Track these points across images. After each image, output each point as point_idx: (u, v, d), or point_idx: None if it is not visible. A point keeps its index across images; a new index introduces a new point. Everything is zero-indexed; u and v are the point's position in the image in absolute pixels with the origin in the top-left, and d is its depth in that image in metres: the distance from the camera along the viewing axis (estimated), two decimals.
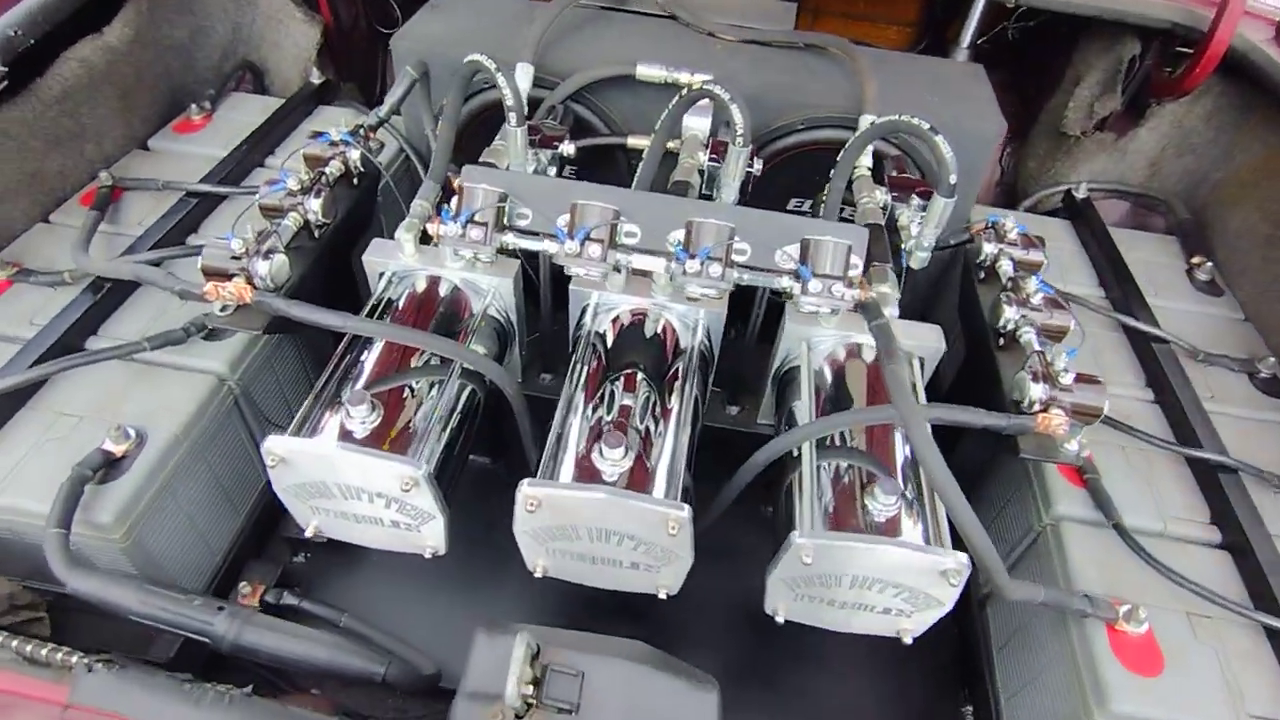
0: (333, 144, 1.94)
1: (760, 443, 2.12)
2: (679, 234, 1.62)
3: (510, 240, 1.60)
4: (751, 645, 2.13)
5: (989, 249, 1.86)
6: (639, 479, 1.49)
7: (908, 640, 1.59)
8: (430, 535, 1.62)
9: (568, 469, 1.51)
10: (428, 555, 1.65)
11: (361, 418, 1.51)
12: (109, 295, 1.91)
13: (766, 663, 2.11)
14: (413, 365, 1.67)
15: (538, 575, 1.64)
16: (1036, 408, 1.52)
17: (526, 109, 1.83)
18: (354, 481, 1.51)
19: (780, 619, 1.59)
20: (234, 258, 1.61)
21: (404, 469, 1.46)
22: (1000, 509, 2.01)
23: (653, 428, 1.63)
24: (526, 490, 1.44)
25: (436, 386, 1.66)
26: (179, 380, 1.80)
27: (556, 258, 1.56)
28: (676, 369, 1.76)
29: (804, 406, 1.74)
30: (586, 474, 1.49)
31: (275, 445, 1.47)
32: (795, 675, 2.10)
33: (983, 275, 1.89)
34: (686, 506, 1.43)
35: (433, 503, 1.51)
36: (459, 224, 1.54)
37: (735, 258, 1.56)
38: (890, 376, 1.36)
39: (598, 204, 1.54)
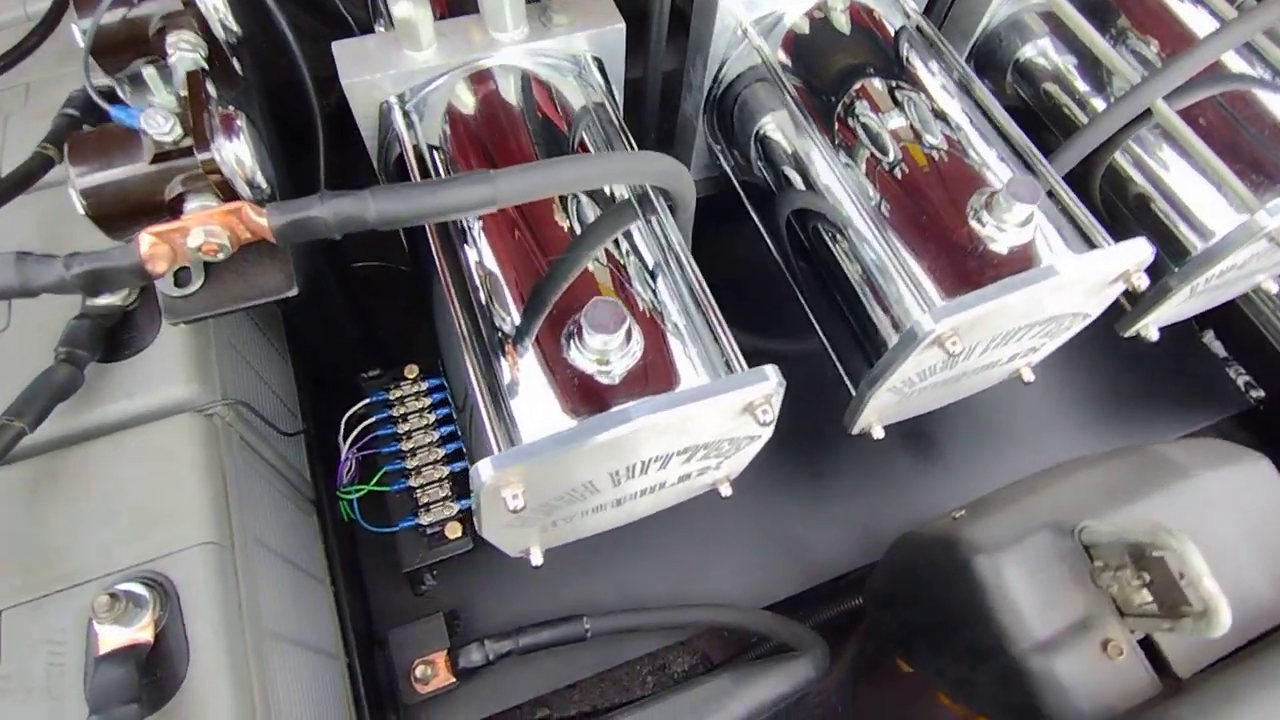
0: None
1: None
2: None
3: None
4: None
5: None
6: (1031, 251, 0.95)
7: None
8: (739, 461, 1.02)
9: (948, 266, 0.93)
10: (725, 492, 1.05)
11: (619, 347, 0.79)
12: None
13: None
14: (564, 224, 0.92)
15: (876, 439, 1.12)
16: None
17: None
18: (657, 448, 0.84)
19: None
20: (165, 154, 0.69)
21: (755, 390, 0.80)
22: None
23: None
24: (944, 328, 0.86)
25: (638, 237, 0.94)
26: (131, 449, 0.91)
27: None
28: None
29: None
30: (986, 266, 0.92)
31: (513, 469, 0.74)
32: None
33: None
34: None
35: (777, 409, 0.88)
36: None
37: None
38: None
39: None
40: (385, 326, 1.58)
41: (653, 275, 0.91)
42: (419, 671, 1.17)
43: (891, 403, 1.07)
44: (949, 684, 0.99)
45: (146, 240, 0.68)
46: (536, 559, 0.98)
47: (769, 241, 1.26)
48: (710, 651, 1.55)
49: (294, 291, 0.77)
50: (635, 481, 0.91)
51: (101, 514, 0.87)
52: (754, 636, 1.36)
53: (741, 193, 1.30)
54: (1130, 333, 1.23)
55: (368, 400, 1.34)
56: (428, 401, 1.34)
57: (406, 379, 1.36)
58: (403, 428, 1.32)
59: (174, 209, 0.71)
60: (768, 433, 0.92)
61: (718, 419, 0.82)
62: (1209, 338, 1.76)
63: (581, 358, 0.80)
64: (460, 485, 1.29)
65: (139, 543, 0.86)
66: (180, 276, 0.76)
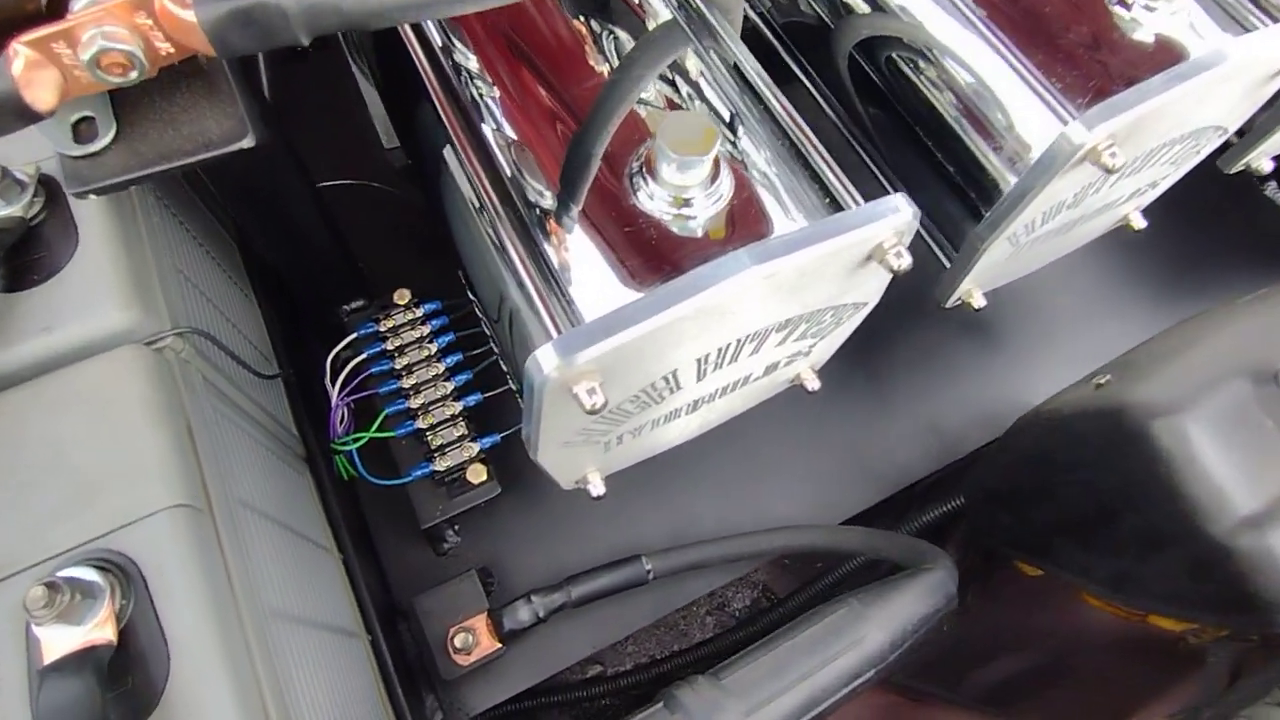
0: None
1: None
2: None
3: None
4: None
5: None
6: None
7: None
8: (832, 343, 0.83)
9: (1083, 68, 0.74)
10: (812, 386, 0.87)
11: (704, 182, 0.59)
12: None
13: None
14: (601, 69, 0.71)
15: (977, 308, 0.95)
16: None
17: None
18: (759, 320, 0.64)
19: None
20: None
21: (888, 224, 0.61)
22: None
23: None
24: (1101, 136, 0.67)
25: (704, 81, 0.73)
26: (57, 396, 0.69)
27: None
28: None
29: None
30: (1129, 64, 0.73)
31: (589, 352, 0.54)
32: None
33: None
34: None
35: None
36: None
37: None
38: None
39: None
40: (363, 255, 1.36)
41: (730, 114, 0.70)
42: (458, 640, 0.98)
43: (1000, 259, 0.88)
44: (1101, 582, 0.83)
45: (20, 54, 0.45)
46: (598, 488, 0.79)
47: (818, 95, 1.05)
48: (771, 584, 1.40)
49: (250, 140, 0.55)
50: (720, 374, 0.72)
51: (27, 483, 0.65)
52: (838, 559, 1.19)
53: (780, 44, 1.09)
54: (1238, 166, 1.06)
55: (354, 335, 1.12)
56: (426, 330, 1.13)
57: (398, 305, 1.14)
58: (400, 362, 1.11)
59: (55, 11, 0.48)
60: (876, 296, 0.73)
61: (837, 271, 0.63)
62: (1271, 189, 1.61)
63: (654, 201, 0.60)
64: (478, 421, 1.09)
65: (83, 515, 0.64)
66: (83, 129, 0.53)
